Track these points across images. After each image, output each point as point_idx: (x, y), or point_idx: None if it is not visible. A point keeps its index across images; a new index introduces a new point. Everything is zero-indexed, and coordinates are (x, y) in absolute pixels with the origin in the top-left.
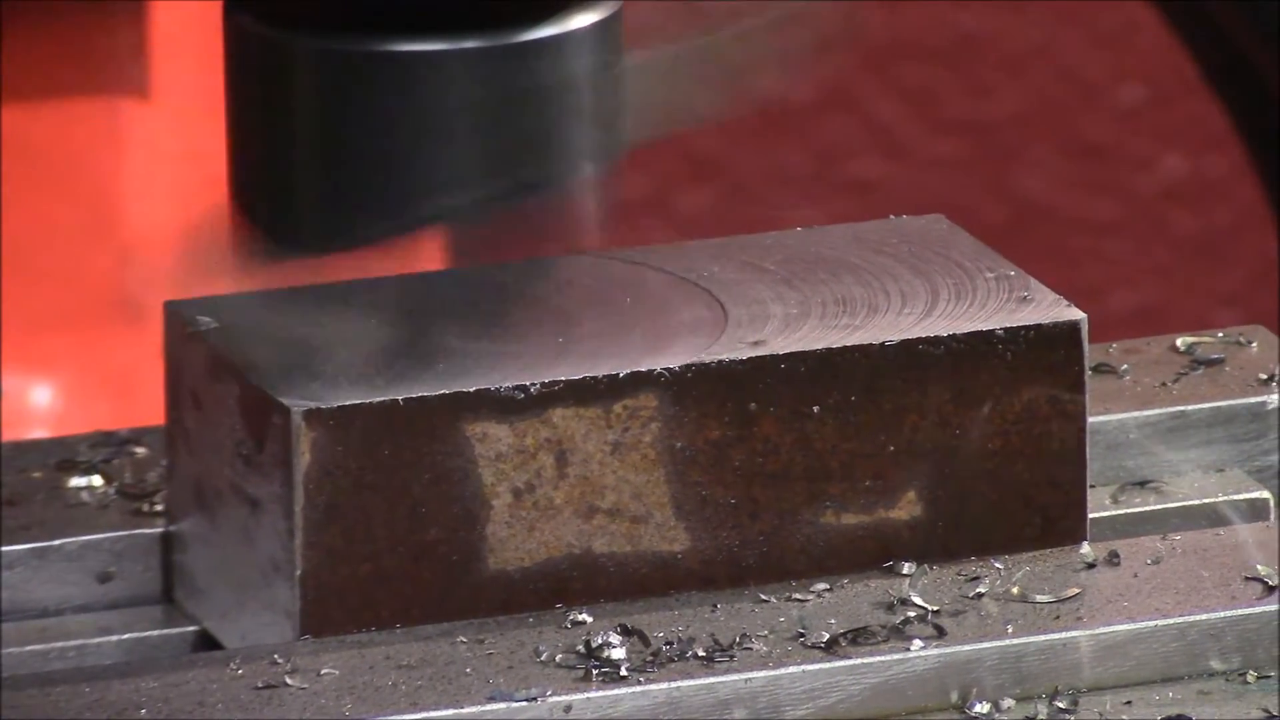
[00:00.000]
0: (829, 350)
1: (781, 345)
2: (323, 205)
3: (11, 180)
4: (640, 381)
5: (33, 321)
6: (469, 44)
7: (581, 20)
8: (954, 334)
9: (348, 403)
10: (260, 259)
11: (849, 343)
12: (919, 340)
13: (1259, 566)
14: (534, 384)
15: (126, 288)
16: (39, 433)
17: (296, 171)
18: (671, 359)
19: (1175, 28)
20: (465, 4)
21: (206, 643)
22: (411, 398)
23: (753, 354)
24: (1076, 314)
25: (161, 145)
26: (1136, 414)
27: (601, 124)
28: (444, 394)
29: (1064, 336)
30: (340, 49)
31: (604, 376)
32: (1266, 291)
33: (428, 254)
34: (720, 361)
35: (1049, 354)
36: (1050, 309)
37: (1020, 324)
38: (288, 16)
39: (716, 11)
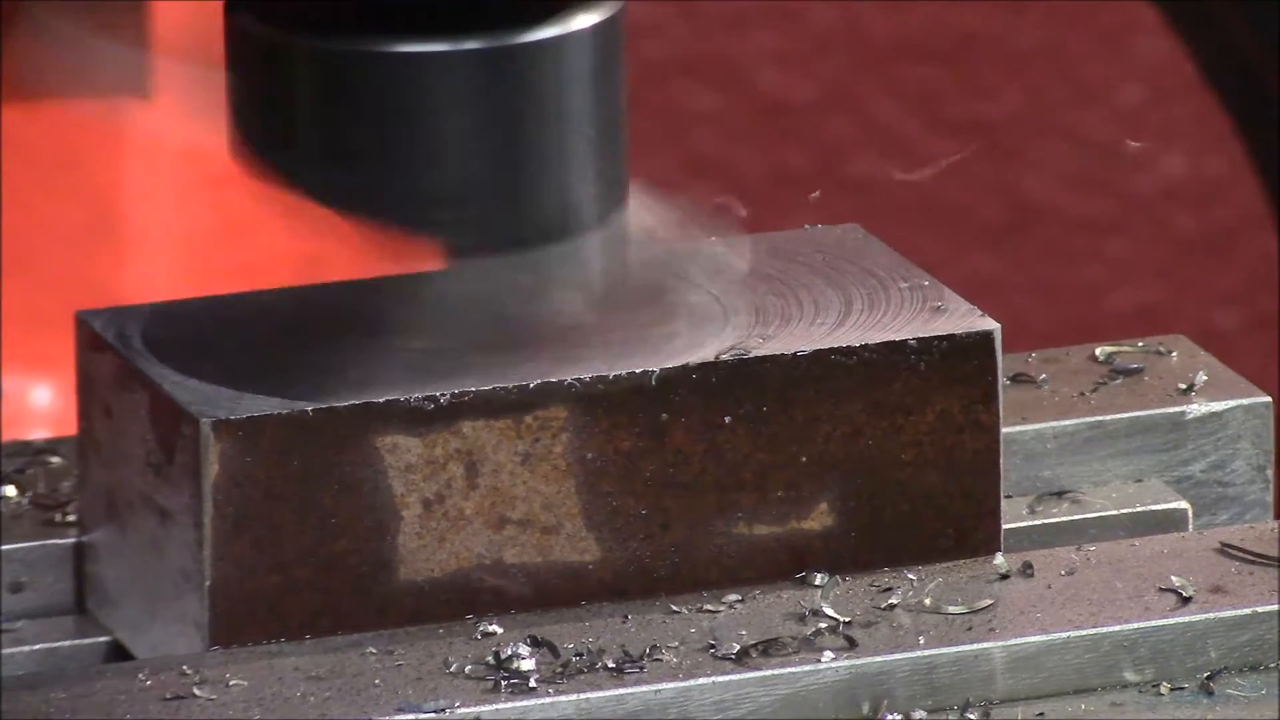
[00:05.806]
0: (741, 360)
1: (693, 355)
2: (319, 204)
3: (11, 180)
4: (550, 392)
5: (33, 321)
6: (469, 45)
7: (582, 21)
8: (867, 344)
9: (257, 413)
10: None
11: (761, 353)
12: (831, 350)
13: (1173, 578)
14: (444, 394)
15: (126, 288)
16: (39, 433)
17: (294, 171)
18: (582, 370)
19: (1175, 28)
20: (465, 4)
21: (119, 653)
22: (321, 408)
23: (664, 364)
24: (990, 324)
25: (161, 145)
26: (1054, 424)
27: (601, 124)
28: (353, 404)
29: (977, 346)
30: (340, 49)
31: (514, 387)
32: (1266, 291)
33: (424, 255)
34: (631, 372)
35: (962, 364)
36: (964, 319)
37: (933, 334)
38: (288, 16)
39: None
